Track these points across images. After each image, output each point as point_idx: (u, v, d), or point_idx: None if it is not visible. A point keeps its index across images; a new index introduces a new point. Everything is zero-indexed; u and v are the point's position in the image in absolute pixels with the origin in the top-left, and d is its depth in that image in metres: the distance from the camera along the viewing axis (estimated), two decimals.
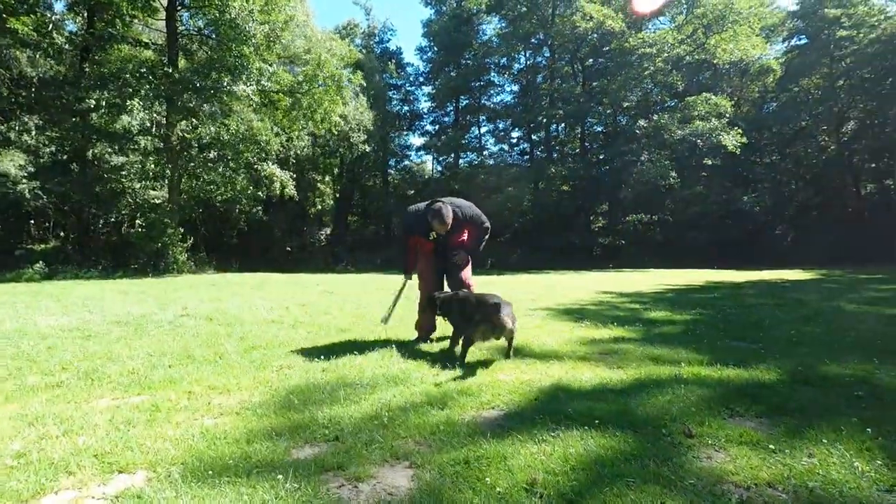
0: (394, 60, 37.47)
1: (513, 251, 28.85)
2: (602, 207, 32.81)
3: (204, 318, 5.75)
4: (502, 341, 3.74)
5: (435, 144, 36.64)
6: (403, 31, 65.01)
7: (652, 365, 3.44)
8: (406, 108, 39.40)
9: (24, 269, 14.39)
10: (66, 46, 16.38)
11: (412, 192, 38.20)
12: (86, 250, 18.35)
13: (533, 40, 32.63)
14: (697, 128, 25.10)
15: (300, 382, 3.03)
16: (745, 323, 5.41)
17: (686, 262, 22.69)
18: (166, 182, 18.17)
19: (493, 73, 36.49)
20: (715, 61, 28.05)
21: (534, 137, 35.06)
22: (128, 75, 15.69)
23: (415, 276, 4.66)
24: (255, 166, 19.74)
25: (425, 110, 39.35)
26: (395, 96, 38.50)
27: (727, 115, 25.99)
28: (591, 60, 32.03)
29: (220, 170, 18.97)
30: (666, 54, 27.35)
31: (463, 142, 35.88)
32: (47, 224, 24.84)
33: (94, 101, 15.69)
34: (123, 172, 18.81)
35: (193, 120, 18.12)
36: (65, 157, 18.58)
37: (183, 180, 18.96)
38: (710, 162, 27.78)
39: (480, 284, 4.85)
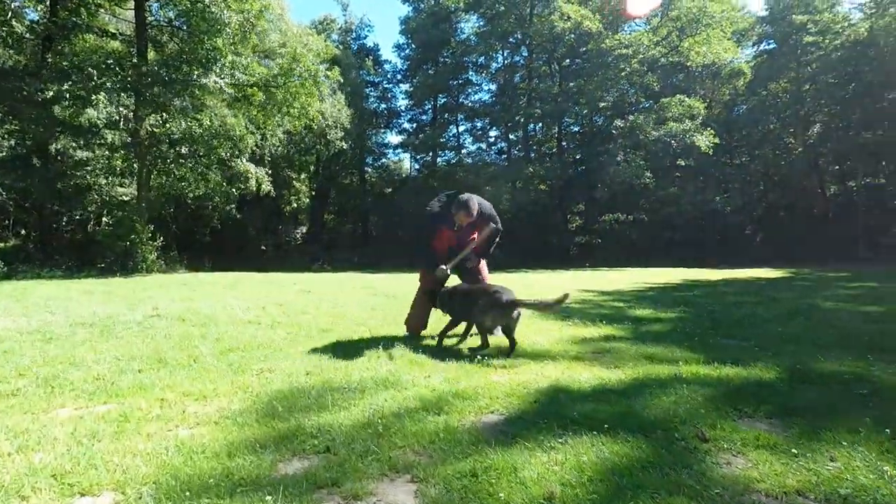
0: (371, 57, 37.03)
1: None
2: (578, 207, 33.09)
3: (176, 318, 5.45)
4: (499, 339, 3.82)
5: (413, 143, 36.38)
6: (381, 28, 64.40)
7: (648, 364, 3.36)
8: (383, 105, 38.98)
9: None
10: (28, 36, 15.58)
11: (389, 190, 37.90)
12: (48, 249, 17.48)
13: (511, 39, 32.64)
14: (672, 129, 25.53)
15: (283, 387, 2.83)
16: (731, 321, 5.42)
17: (661, 261, 23.04)
18: (135, 178, 17.48)
19: (471, 72, 36.38)
20: (688, 64, 28.57)
21: (511, 137, 35.12)
22: (90, 67, 14.98)
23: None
24: (229, 163, 19.16)
25: (403, 108, 39.03)
26: (372, 93, 38.05)
27: (700, 117, 26.51)
28: (568, 61, 32.21)
29: (192, 166, 18.34)
30: (641, 56, 27.74)
31: (441, 140, 35.69)
32: (7, 221, 23.67)
33: (56, 93, 14.95)
34: (89, 167, 18.00)
35: (163, 114, 17.46)
36: (25, 151, 17.69)
37: (153, 176, 18.25)
38: (683, 163, 28.30)
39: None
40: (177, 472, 1.75)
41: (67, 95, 15.05)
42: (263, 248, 29.42)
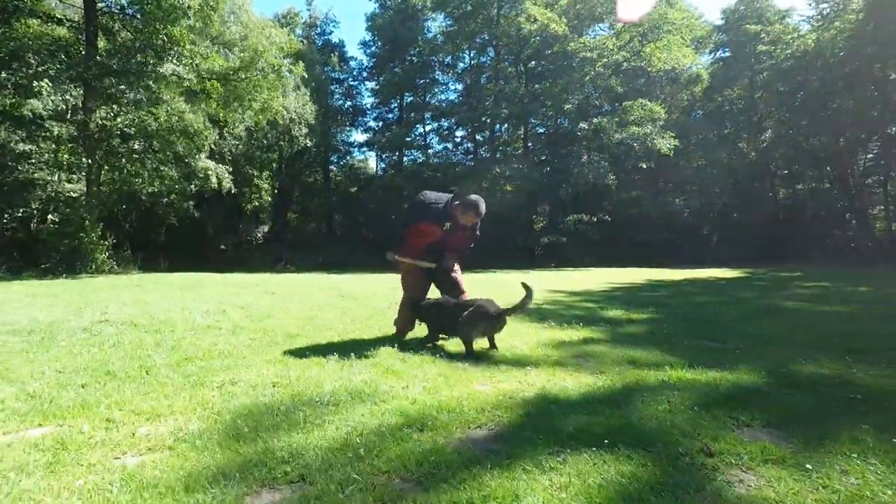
0: (336, 53, 36.35)
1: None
2: (544, 207, 33.44)
3: (127, 323, 5.03)
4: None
5: (379, 141, 35.91)
6: (346, 24, 63.43)
7: (632, 369, 3.27)
8: (349, 102, 38.34)
9: None
10: None
11: (355, 189, 37.29)
12: None
13: (478, 40, 32.66)
14: (634, 132, 26.13)
15: (248, 402, 2.56)
16: (702, 321, 5.45)
17: (624, 261, 23.53)
18: (84, 173, 16.44)
19: (437, 72, 36.22)
20: (650, 69, 29.29)
21: (478, 137, 35.15)
22: (32, 54, 13.98)
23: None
24: (186, 159, 18.29)
25: (369, 106, 38.50)
26: (337, 90, 37.35)
27: (661, 121, 27.24)
28: (534, 62, 32.49)
29: (146, 162, 17.41)
30: (606, 59, 28.24)
31: (407, 139, 35.38)
32: None
33: None
34: (32, 161, 16.81)
35: (115, 106, 16.50)
36: None
37: (104, 172, 17.22)
38: (644, 165, 29.00)
39: None
40: None
41: (9, 84, 14.03)
42: (223, 247, 28.34)
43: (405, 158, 36.70)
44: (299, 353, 3.77)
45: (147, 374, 3.13)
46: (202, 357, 3.61)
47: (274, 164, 32.53)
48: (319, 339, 4.32)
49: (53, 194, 17.64)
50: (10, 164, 16.53)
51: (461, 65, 35.85)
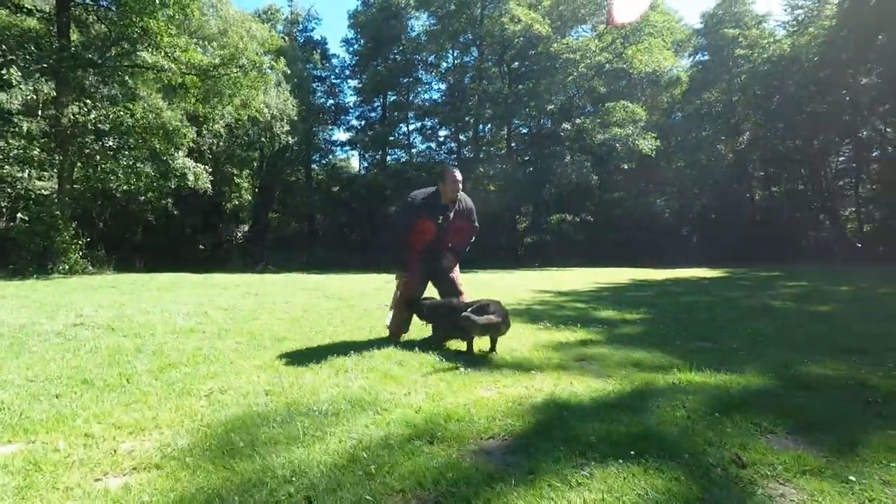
0: (318, 51, 35.82)
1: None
2: (527, 207, 33.52)
3: (104, 327, 4.76)
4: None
5: (361, 140, 35.57)
6: (329, 21, 62.80)
7: (637, 371, 3.18)
8: (331, 101, 37.87)
9: None
10: None
11: (337, 188, 36.84)
12: None
13: (461, 39, 32.60)
14: (616, 134, 26.36)
15: (240, 412, 2.38)
16: (696, 321, 5.42)
17: (606, 261, 23.71)
18: (56, 170, 15.81)
19: (421, 71, 36.05)
20: (631, 71, 29.57)
21: (461, 137, 35.10)
22: (1, 45, 13.38)
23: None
24: (164, 157, 17.74)
25: (351, 104, 38.10)
26: (319, 88, 36.86)
27: (642, 122, 27.54)
28: (517, 63, 32.54)
29: (122, 160, 16.84)
30: (588, 61, 28.42)
31: (391, 138, 35.13)
32: None
33: None
34: (0, 157, 16.13)
35: (88, 101, 15.91)
36: None
37: (77, 169, 16.60)
38: (626, 166, 29.28)
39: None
40: None
41: None
42: (202, 247, 27.67)
43: (388, 157, 36.44)
44: (290, 357, 3.59)
45: (128, 382, 2.92)
46: (186, 363, 3.40)
47: (255, 163, 31.91)
48: (309, 343, 4.14)
49: (23, 192, 16.93)
50: None
51: (445, 64, 35.77)
